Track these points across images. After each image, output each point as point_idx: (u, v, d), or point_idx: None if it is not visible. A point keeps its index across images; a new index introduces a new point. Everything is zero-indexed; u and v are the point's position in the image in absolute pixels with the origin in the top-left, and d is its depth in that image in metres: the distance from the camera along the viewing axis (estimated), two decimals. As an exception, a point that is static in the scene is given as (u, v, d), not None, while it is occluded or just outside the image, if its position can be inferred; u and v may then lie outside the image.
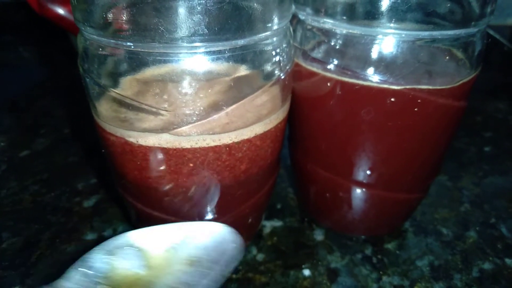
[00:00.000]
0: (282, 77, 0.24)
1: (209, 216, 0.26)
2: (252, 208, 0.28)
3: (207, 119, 0.22)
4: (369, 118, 0.25)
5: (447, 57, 0.24)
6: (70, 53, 0.54)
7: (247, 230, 0.31)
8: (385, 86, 0.23)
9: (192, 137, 0.22)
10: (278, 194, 0.37)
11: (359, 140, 0.26)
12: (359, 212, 0.30)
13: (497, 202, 0.37)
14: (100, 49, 0.21)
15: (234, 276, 0.29)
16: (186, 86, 0.21)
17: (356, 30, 0.23)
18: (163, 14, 0.19)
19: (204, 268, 0.23)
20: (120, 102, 0.23)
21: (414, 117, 0.25)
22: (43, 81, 0.63)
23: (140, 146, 0.22)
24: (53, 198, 0.37)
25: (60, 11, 0.44)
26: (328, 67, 0.25)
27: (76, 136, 0.47)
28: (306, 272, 0.29)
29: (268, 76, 0.24)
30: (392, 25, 0.22)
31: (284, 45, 0.24)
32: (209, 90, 0.22)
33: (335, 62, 0.25)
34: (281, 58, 0.24)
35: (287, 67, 0.24)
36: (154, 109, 0.22)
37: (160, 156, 0.22)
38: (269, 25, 0.22)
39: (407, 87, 0.23)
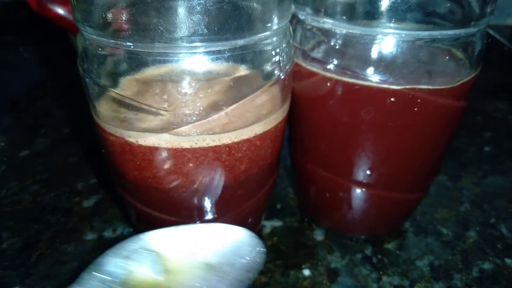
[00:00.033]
0: (282, 77, 0.24)
1: (209, 216, 0.26)
2: (252, 208, 0.28)
3: (207, 119, 0.22)
4: (369, 118, 0.25)
5: (447, 57, 0.24)
6: (69, 53, 0.54)
7: (247, 230, 0.31)
8: (385, 86, 0.23)
9: (192, 137, 0.22)
10: (278, 194, 0.37)
11: (359, 140, 0.26)
12: (359, 212, 0.30)
13: (497, 202, 0.37)
14: (100, 49, 0.21)
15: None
16: (186, 86, 0.21)
17: (356, 30, 0.23)
18: (162, 14, 0.19)
19: (222, 273, 0.22)
20: (120, 102, 0.23)
21: (414, 117, 0.25)
22: (43, 81, 0.63)
23: (140, 146, 0.22)
24: (53, 198, 0.37)
25: (60, 11, 0.44)
26: (328, 67, 0.25)
27: (76, 136, 0.47)
28: (306, 272, 0.29)
29: (268, 76, 0.24)
30: (392, 25, 0.22)
31: (284, 45, 0.24)
32: (209, 90, 0.22)
33: (335, 62, 0.25)
34: (280, 58, 0.24)
35: (287, 67, 0.24)
36: (153, 109, 0.22)
37: (160, 156, 0.22)
38: (269, 25, 0.22)
39: (407, 87, 0.23)
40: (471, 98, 0.27)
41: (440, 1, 0.22)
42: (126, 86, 0.23)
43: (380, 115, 0.25)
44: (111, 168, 0.27)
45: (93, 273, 0.20)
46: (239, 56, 0.22)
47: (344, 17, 0.24)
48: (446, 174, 0.40)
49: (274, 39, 0.23)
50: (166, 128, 0.22)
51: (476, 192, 0.38)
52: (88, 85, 0.23)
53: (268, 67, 0.23)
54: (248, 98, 0.22)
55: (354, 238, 0.32)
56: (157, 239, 0.22)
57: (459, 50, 0.24)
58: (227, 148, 0.23)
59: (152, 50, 0.20)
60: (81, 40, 0.22)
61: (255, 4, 0.21)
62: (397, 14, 0.22)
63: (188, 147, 0.22)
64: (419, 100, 0.24)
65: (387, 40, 0.23)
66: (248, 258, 0.23)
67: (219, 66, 0.22)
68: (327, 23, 0.24)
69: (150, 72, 0.21)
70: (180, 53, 0.20)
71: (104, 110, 0.23)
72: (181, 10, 0.19)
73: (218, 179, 0.24)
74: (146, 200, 0.26)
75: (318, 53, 0.26)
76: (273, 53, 0.23)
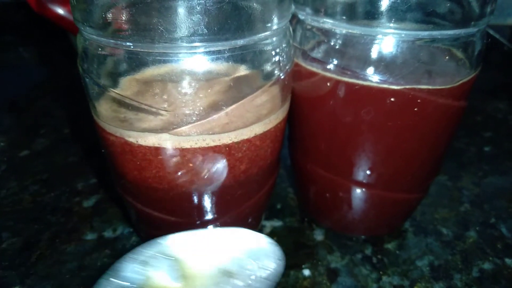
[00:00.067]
0: (282, 77, 0.24)
1: (209, 216, 0.26)
2: (252, 208, 0.28)
3: (207, 119, 0.22)
4: (369, 118, 0.25)
5: (447, 57, 0.24)
6: (69, 53, 0.54)
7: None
8: (385, 86, 0.23)
9: (192, 137, 0.22)
10: (278, 194, 0.37)
11: (359, 140, 0.26)
12: (359, 212, 0.30)
13: (497, 202, 0.37)
14: (100, 49, 0.21)
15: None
16: (186, 86, 0.21)
17: (355, 30, 0.23)
18: (162, 14, 0.19)
19: (239, 280, 0.22)
20: (120, 102, 0.23)
21: (414, 117, 0.25)
22: (43, 81, 0.63)
23: (140, 146, 0.22)
24: (53, 198, 0.37)
25: (60, 11, 0.44)
26: (328, 67, 0.25)
27: (76, 136, 0.47)
28: (306, 272, 0.29)
29: (268, 76, 0.24)
30: (391, 25, 0.22)
31: (283, 45, 0.24)
32: (209, 90, 0.22)
33: (335, 62, 0.25)
34: (280, 58, 0.24)
35: (287, 67, 0.24)
36: (153, 109, 0.22)
37: (160, 156, 0.22)
38: (269, 25, 0.22)
39: (407, 87, 0.23)
40: (471, 98, 0.27)
41: (440, 1, 0.22)
42: (126, 86, 0.23)
43: (380, 115, 0.25)
44: (111, 168, 0.27)
45: (111, 279, 0.20)
46: (239, 56, 0.22)
47: (344, 17, 0.24)
48: (446, 174, 0.40)
49: (274, 39, 0.23)
50: (166, 128, 0.22)
51: (476, 192, 0.38)
52: (88, 85, 0.23)
53: (268, 67, 0.23)
54: (248, 98, 0.22)
55: (354, 238, 0.32)
56: (176, 244, 0.22)
57: (459, 50, 0.24)
58: (227, 148, 0.23)
59: (152, 50, 0.20)
60: (81, 40, 0.22)
61: (255, 4, 0.21)
62: (397, 14, 0.22)
63: (188, 147, 0.22)
64: (419, 100, 0.24)
65: (387, 40, 0.23)
66: (268, 266, 0.22)
67: (219, 66, 0.22)
68: (327, 23, 0.24)
69: (150, 72, 0.21)
70: (180, 53, 0.20)
71: (104, 110, 0.23)
72: (181, 10, 0.19)
73: (218, 179, 0.24)
74: (146, 200, 0.26)
75: (318, 53, 0.26)
76: (273, 53, 0.23)
